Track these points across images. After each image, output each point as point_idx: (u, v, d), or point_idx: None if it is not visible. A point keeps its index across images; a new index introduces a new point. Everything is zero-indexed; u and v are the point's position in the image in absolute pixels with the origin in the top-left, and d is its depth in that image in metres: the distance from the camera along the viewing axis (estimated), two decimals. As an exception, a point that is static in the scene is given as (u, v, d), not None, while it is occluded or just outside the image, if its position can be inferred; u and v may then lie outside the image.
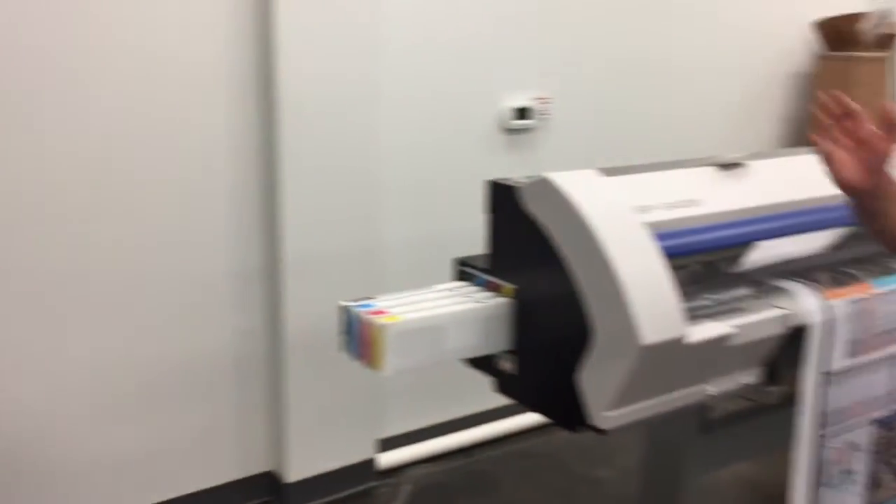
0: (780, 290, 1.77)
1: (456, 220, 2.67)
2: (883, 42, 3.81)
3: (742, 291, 1.71)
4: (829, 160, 1.30)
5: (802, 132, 3.87)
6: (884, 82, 3.91)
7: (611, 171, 1.71)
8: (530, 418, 3.11)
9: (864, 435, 1.91)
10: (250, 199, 2.54)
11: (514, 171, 2.95)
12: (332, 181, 2.57)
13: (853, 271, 1.90)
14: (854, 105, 1.29)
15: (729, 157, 1.81)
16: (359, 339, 1.61)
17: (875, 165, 1.27)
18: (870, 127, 1.27)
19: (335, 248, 2.60)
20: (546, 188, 1.57)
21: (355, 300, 1.68)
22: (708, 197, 1.71)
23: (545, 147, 3.10)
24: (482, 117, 2.98)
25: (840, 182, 1.30)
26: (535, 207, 1.59)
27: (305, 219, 2.54)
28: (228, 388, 2.63)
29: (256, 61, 2.46)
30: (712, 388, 1.66)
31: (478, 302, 1.68)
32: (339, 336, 1.70)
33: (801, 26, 3.82)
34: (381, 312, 1.60)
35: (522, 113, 3.01)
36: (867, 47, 3.76)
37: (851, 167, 1.28)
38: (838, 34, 3.79)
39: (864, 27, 3.75)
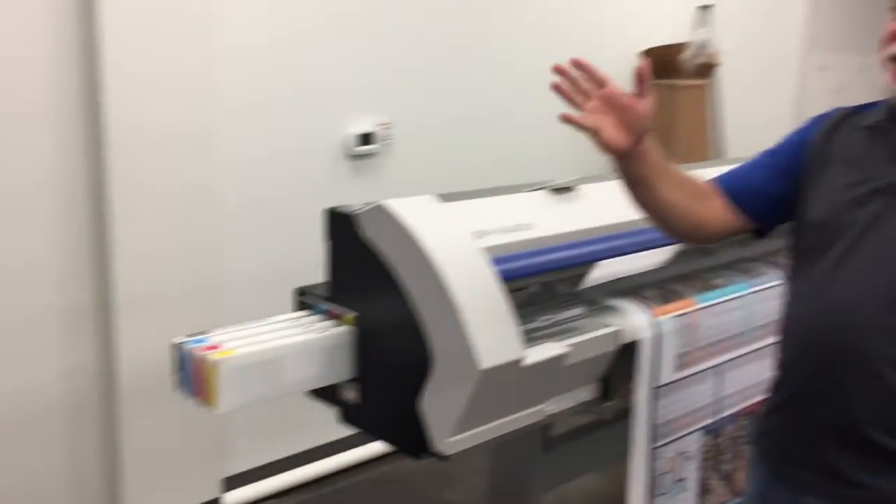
0: (612, 309, 1.85)
1: (300, 250, 2.61)
2: (703, 71, 4.08)
3: (576, 311, 1.77)
4: (592, 129, 1.33)
5: (634, 155, 4.07)
6: (704, 108, 4.18)
7: (448, 197, 1.73)
8: (380, 445, 3.08)
9: (693, 443, 2.01)
10: (79, 230, 2.40)
11: (359, 197, 2.95)
12: (167, 211, 2.47)
13: (679, 288, 2.00)
14: (599, 71, 1.35)
15: (561, 181, 1.87)
16: (192, 376, 1.54)
17: (636, 127, 1.31)
18: (622, 90, 1.31)
19: (172, 280, 2.49)
20: (383, 215, 1.57)
21: (189, 336, 1.61)
22: (541, 221, 1.75)
23: (390, 172, 3.11)
24: (326, 144, 2.95)
25: (605, 144, 1.33)
26: (372, 235, 1.59)
27: (139, 250, 2.42)
28: (60, 430, 2.46)
29: (82, 84, 2.33)
30: (551, 407, 1.70)
31: (318, 332, 1.65)
32: (173, 374, 1.62)
33: (628, 55, 4.02)
34: (214, 347, 1.54)
35: (366, 139, 3.00)
36: (689, 76, 4.01)
37: (613, 129, 1.31)
38: (662, 63, 4.02)
39: (686, 57, 4.00)
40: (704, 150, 4.15)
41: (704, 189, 1.45)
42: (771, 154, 1.47)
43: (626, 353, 1.81)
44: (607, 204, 1.92)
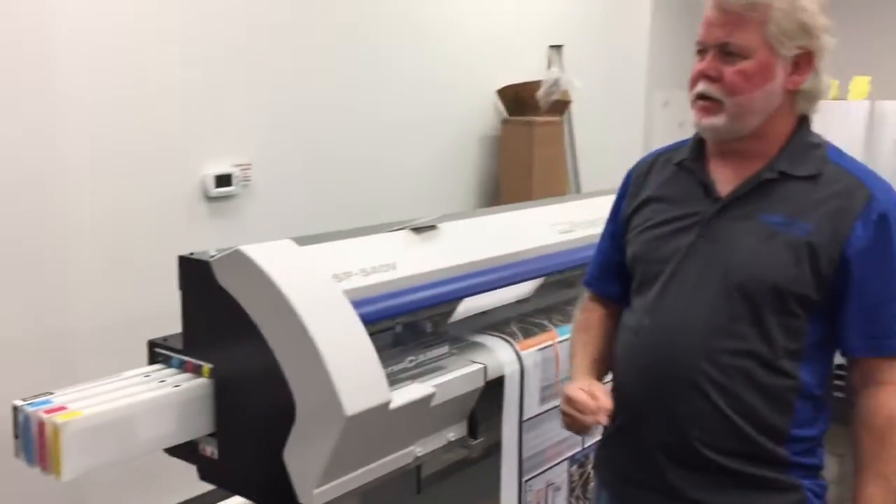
0: (477, 345, 1.86)
1: (157, 298, 2.49)
2: (557, 107, 4.23)
3: (442, 350, 1.76)
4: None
5: (494, 188, 4.16)
6: (560, 143, 4.33)
7: (307, 240, 1.69)
8: (244, 502, 2.96)
9: (561, 473, 2.04)
10: None
11: (218, 240, 2.86)
12: (7, 260, 2.31)
13: (540, 321, 2.04)
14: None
15: (422, 220, 1.87)
16: (35, 441, 1.43)
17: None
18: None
19: (14, 336, 2.32)
20: (239, 261, 1.51)
21: (32, 397, 1.50)
22: (404, 260, 1.75)
23: (250, 214, 3.04)
24: (182, 186, 2.85)
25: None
26: (229, 282, 1.53)
27: (-25, 305, 2.25)
28: None
29: None
30: (420, 449, 1.69)
31: (173, 386, 1.57)
32: (14, 440, 1.50)
33: (487, 93, 4.13)
34: (60, 409, 1.44)
35: (224, 180, 2.92)
36: (544, 112, 4.15)
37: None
38: (518, 100, 4.15)
39: (540, 94, 4.14)
40: (563, 185, 4.29)
41: (608, 324, 1.56)
42: (611, 222, 1.60)
43: (492, 389, 1.82)
44: (469, 241, 1.94)
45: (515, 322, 2.02)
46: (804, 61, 1.34)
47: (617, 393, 1.48)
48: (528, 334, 1.95)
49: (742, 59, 1.33)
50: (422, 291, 1.72)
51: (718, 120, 1.36)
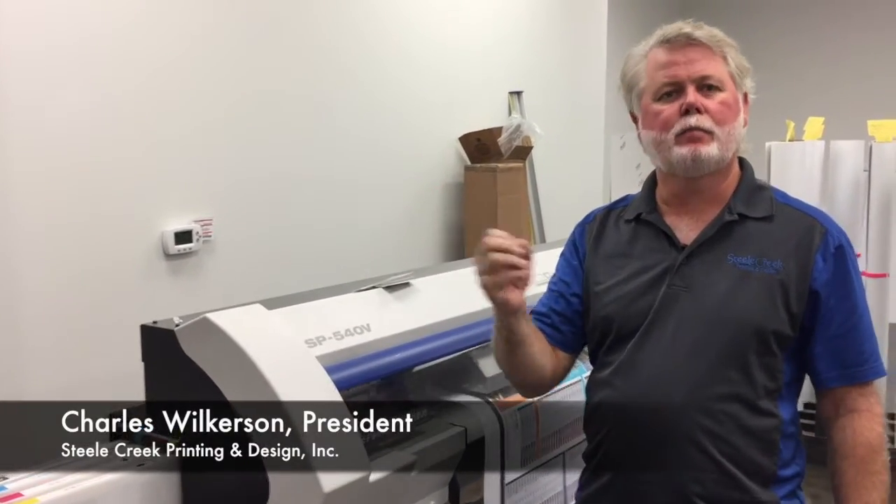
0: (456, 406, 1.79)
1: (116, 366, 2.38)
2: (519, 153, 4.22)
3: (421, 413, 1.69)
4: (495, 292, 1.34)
5: (460, 238, 4.12)
6: (523, 188, 4.32)
7: (276, 303, 1.63)
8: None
9: (546, 536, 1.97)
10: None
11: (177, 298, 2.78)
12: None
13: (519, 377, 1.98)
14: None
15: (394, 278, 1.81)
16: (-14, 533, 1.33)
17: (523, 285, 1.34)
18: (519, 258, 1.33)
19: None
20: (206, 330, 1.44)
21: (-18, 482, 1.39)
22: (378, 321, 1.68)
23: (211, 271, 2.94)
24: (140, 243, 2.75)
25: (504, 300, 1.34)
26: (195, 352, 1.45)
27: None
28: None
29: None
30: (401, 520, 1.60)
31: (137, 465, 1.48)
32: (-39, 530, 1.38)
33: (449, 141, 4.11)
34: (14, 496, 1.33)
35: (184, 236, 2.83)
36: (506, 158, 4.14)
37: (509, 288, 1.33)
38: (481, 147, 4.14)
39: (502, 140, 4.14)
40: (527, 232, 4.27)
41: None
42: (556, 283, 1.56)
43: (472, 452, 1.75)
44: (443, 297, 1.89)
45: (492, 379, 1.95)
46: (744, 101, 1.42)
47: (601, 450, 1.44)
48: (507, 393, 1.89)
49: (720, 92, 1.37)
50: (399, 353, 1.65)
51: (713, 149, 1.36)
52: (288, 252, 3.19)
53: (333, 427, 1.41)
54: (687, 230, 1.42)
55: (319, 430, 1.37)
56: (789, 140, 4.25)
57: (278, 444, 1.37)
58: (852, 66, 6.99)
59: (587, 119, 5.30)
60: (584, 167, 5.25)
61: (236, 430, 1.39)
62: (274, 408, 1.36)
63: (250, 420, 1.38)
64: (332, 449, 1.38)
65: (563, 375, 1.53)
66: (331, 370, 1.49)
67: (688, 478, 1.34)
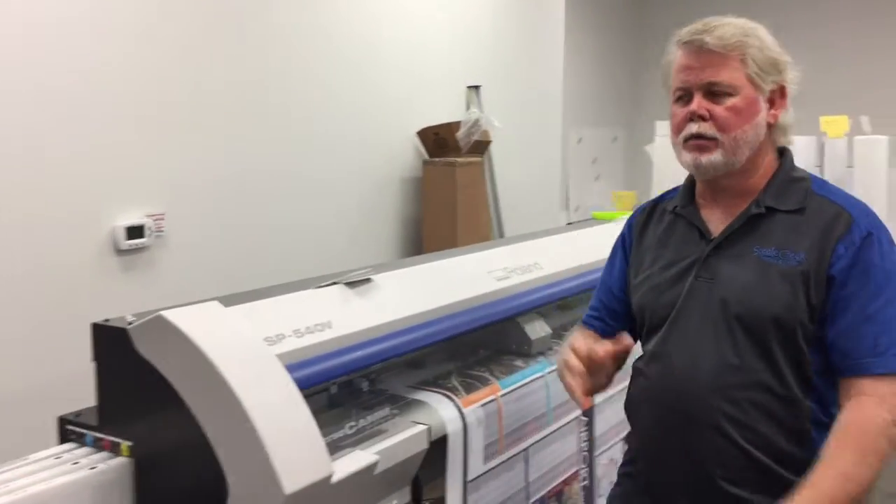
0: (418, 404, 1.76)
1: (67, 368, 2.30)
2: (477, 148, 4.20)
3: (383, 412, 1.66)
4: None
5: (418, 232, 4.08)
6: (482, 183, 4.30)
7: (234, 300, 1.58)
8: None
9: (509, 533, 1.95)
10: None
11: (129, 296, 2.70)
12: None
13: (483, 374, 1.96)
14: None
15: (355, 274, 1.77)
16: (-74, 543, 1.26)
17: (596, 390, 1.47)
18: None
19: None
20: (161, 328, 1.38)
21: (-78, 489, 1.32)
22: (339, 318, 1.64)
23: (163, 267, 2.87)
24: (90, 239, 2.67)
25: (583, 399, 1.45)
26: (149, 350, 1.40)
27: None
28: None
29: None
30: (363, 521, 1.57)
31: (89, 467, 1.42)
32: None
33: (407, 135, 4.07)
34: (-44, 504, 1.27)
35: (135, 231, 2.76)
36: (464, 153, 4.11)
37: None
38: (439, 141, 4.11)
39: (460, 135, 4.11)
40: (486, 227, 4.26)
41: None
42: (608, 272, 1.67)
43: (434, 449, 1.72)
44: (405, 293, 1.85)
45: (456, 376, 1.93)
46: (778, 95, 1.43)
47: (634, 436, 1.57)
48: (469, 389, 1.87)
49: (730, 97, 1.39)
50: (361, 350, 1.62)
51: (715, 156, 1.40)
52: (243, 247, 3.13)
53: (294, 427, 1.37)
54: (717, 223, 1.47)
55: (280, 430, 1.33)
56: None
57: (237, 446, 1.32)
58: (805, 63, 7.09)
59: (545, 114, 5.31)
60: (542, 162, 5.26)
61: (193, 431, 1.34)
62: (232, 408, 1.32)
63: (207, 420, 1.34)
64: (293, 450, 1.34)
65: (621, 363, 1.56)
66: (291, 369, 1.44)
67: (713, 463, 1.39)
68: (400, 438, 1.60)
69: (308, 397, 1.43)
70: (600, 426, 2.29)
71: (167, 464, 1.42)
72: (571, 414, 2.16)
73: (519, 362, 2.07)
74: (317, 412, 1.44)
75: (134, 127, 2.77)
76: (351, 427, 1.57)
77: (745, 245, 1.42)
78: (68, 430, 1.55)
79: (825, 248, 1.36)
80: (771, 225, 1.41)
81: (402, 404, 1.75)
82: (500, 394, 1.90)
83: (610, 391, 2.28)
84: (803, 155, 4.57)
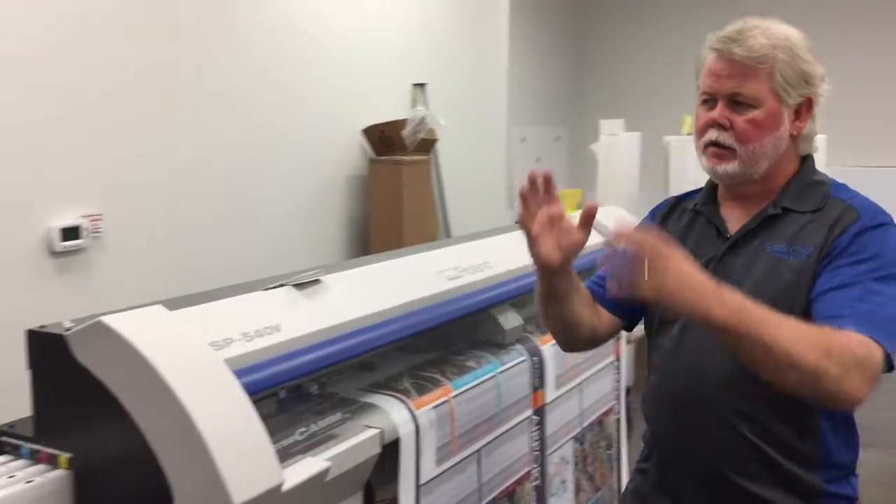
0: (370, 407, 1.73)
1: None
2: (423, 146, 4.18)
3: (334, 416, 1.62)
4: (531, 238, 1.43)
5: (365, 232, 4.04)
6: (428, 181, 4.28)
7: (178, 303, 1.52)
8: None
9: (461, 537, 1.93)
10: None
11: (65, 300, 2.60)
12: None
13: (434, 375, 1.93)
14: (554, 191, 1.46)
15: (304, 275, 1.73)
16: None
17: (569, 250, 1.43)
18: (567, 217, 1.44)
19: None
20: (101, 334, 1.32)
21: None
22: (288, 321, 1.60)
23: (101, 269, 2.78)
24: (22, 240, 2.57)
25: (536, 257, 1.44)
26: (89, 358, 1.33)
27: None
28: None
29: None
30: (314, 529, 1.53)
31: (25, 481, 1.35)
32: None
33: (352, 133, 4.02)
34: None
35: (71, 232, 2.66)
36: (411, 151, 4.08)
37: (550, 246, 1.42)
38: (385, 139, 4.07)
39: (406, 133, 4.08)
40: (433, 226, 4.23)
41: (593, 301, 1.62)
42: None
43: (386, 453, 1.69)
44: (356, 294, 1.82)
45: (408, 378, 1.90)
46: (805, 108, 1.44)
47: (650, 428, 1.61)
48: (422, 391, 1.84)
49: (752, 109, 1.39)
50: (312, 353, 1.57)
51: (731, 166, 1.42)
52: (186, 249, 3.04)
53: (243, 435, 1.32)
54: (736, 223, 1.50)
55: (228, 438, 1.29)
56: (686, 134, 4.36)
57: (183, 455, 1.27)
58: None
59: (489, 113, 5.31)
60: (487, 161, 5.26)
61: (136, 441, 1.28)
62: (178, 417, 1.26)
63: (152, 430, 1.28)
64: (242, 458, 1.29)
65: (605, 336, 1.64)
66: (239, 374, 1.39)
67: (724, 458, 1.43)
68: (352, 443, 1.56)
69: (256, 402, 1.39)
70: (551, 425, 2.29)
71: (109, 476, 1.36)
72: (523, 413, 2.15)
73: (470, 362, 2.05)
74: (265, 418, 1.40)
75: (68, 123, 2.66)
76: (302, 433, 1.52)
77: (758, 242, 1.44)
78: (2, 441, 1.47)
79: (828, 241, 1.38)
80: (785, 223, 1.43)
81: (354, 408, 1.71)
82: (452, 395, 1.87)
83: (561, 390, 2.30)
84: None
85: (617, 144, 4.25)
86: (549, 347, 2.24)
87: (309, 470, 1.42)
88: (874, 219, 1.38)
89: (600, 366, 2.57)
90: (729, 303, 1.22)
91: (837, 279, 1.33)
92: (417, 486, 1.76)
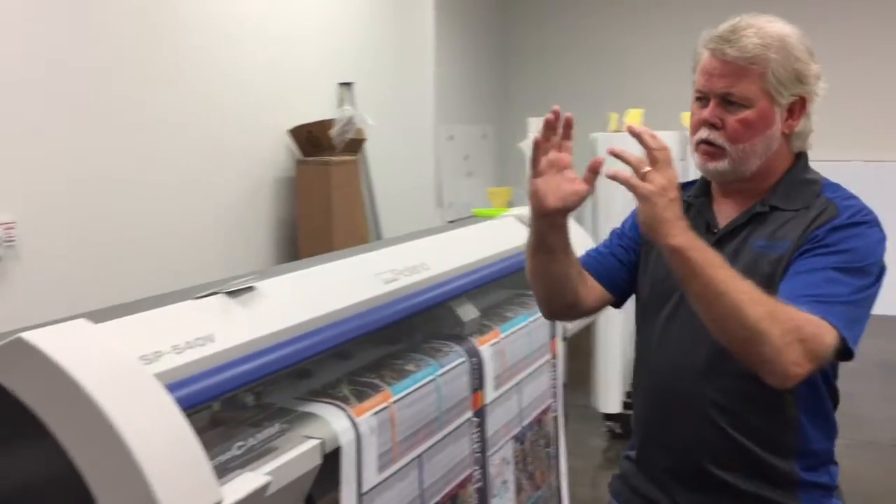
0: (309, 416, 1.68)
1: None
2: (352, 146, 4.12)
3: (272, 429, 1.56)
4: (534, 175, 1.41)
5: (294, 234, 3.96)
6: (357, 182, 4.22)
7: (104, 315, 1.44)
8: None
9: (405, 544, 1.89)
10: None
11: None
12: None
13: (373, 380, 1.89)
14: (570, 139, 1.43)
15: (237, 281, 1.66)
16: None
17: (569, 201, 1.41)
18: (572, 170, 1.42)
19: None
20: (21, 351, 1.24)
21: None
22: (222, 330, 1.53)
23: (16, 281, 2.64)
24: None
25: (533, 196, 1.42)
26: (8, 377, 1.25)
27: None
28: None
29: None
30: (255, 546, 1.47)
31: (-62, 513, 1.26)
32: None
33: (279, 133, 3.93)
34: None
35: (-18, 242, 2.52)
36: (339, 151, 4.02)
37: (549, 187, 1.40)
38: (312, 140, 4.00)
39: (334, 133, 4.01)
40: (363, 227, 4.18)
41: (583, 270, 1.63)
42: (619, 235, 1.70)
43: (327, 462, 1.64)
44: (292, 300, 1.76)
45: (346, 384, 1.85)
46: (798, 107, 1.44)
47: (635, 419, 1.67)
48: (361, 397, 1.79)
49: (743, 109, 1.41)
50: (248, 363, 1.51)
51: (722, 165, 1.44)
52: (107, 257, 2.92)
53: (178, 453, 1.26)
54: (727, 218, 1.52)
55: (162, 457, 1.22)
56: (613, 131, 4.41)
57: (114, 477, 1.20)
58: (669, 61, 7.39)
59: (417, 111, 5.28)
60: (416, 160, 5.23)
61: (62, 464, 1.21)
62: (107, 436, 1.19)
63: (79, 452, 1.21)
64: (177, 478, 1.23)
65: (590, 307, 1.64)
66: (171, 388, 1.33)
67: (702, 449, 1.47)
68: (292, 455, 1.51)
69: (189, 416, 1.33)
70: (491, 426, 2.27)
71: (33, 501, 1.28)
72: (463, 416, 2.12)
73: (409, 366, 2.01)
74: (200, 432, 1.34)
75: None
76: (239, 447, 1.46)
77: (744, 238, 1.46)
78: (-88, 470, 1.37)
79: (804, 235, 1.40)
80: (771, 220, 1.45)
81: (292, 418, 1.66)
82: (392, 400, 1.83)
83: (500, 390, 2.28)
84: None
85: (545, 142, 4.26)
86: (487, 348, 2.22)
87: (248, 486, 1.37)
88: (853, 217, 1.40)
89: (538, 364, 2.57)
90: (691, 237, 1.29)
91: (805, 266, 1.36)
92: (360, 495, 1.71)
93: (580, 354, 4.23)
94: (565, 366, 2.90)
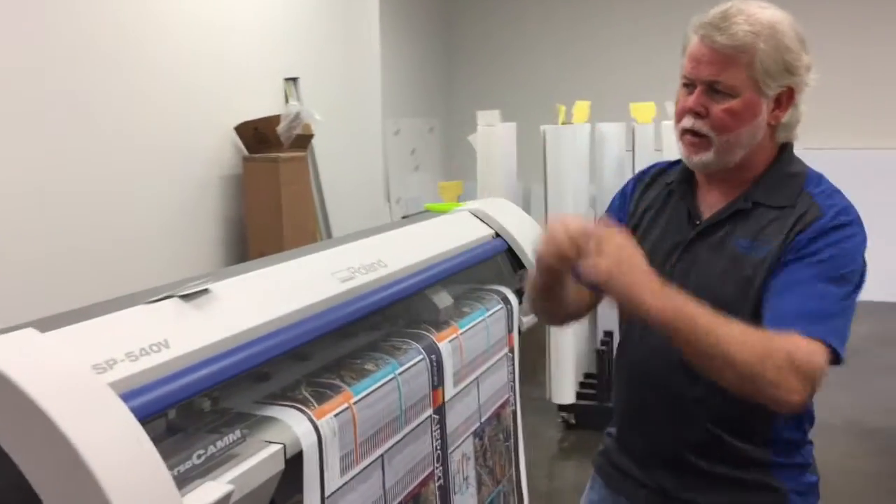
0: (269, 420, 1.64)
1: None
2: (300, 142, 4.06)
3: (232, 434, 1.52)
4: (549, 237, 1.42)
5: (242, 233, 3.89)
6: (307, 178, 4.17)
7: (51, 323, 1.38)
8: None
9: (370, 546, 1.86)
10: None
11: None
12: None
13: (332, 381, 1.86)
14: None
15: (191, 284, 1.61)
16: None
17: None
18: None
19: None
20: (-34, 364, 1.18)
21: None
22: (177, 336, 1.49)
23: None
24: None
25: (545, 256, 1.44)
26: (-48, 392, 1.18)
27: None
28: None
29: None
30: (222, 557, 1.43)
31: None
32: None
33: (224, 130, 3.85)
34: None
35: (-86, 248, 2.41)
36: (287, 147, 3.96)
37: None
38: (259, 136, 3.93)
39: (281, 129, 3.95)
40: (313, 224, 4.12)
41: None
42: (615, 209, 1.73)
43: (291, 468, 1.61)
44: (248, 302, 1.72)
45: (305, 386, 1.81)
46: (786, 98, 1.43)
47: (616, 400, 1.74)
48: (321, 399, 1.76)
49: (729, 98, 1.39)
50: (206, 368, 1.47)
51: (707, 156, 1.44)
52: (48, 264, 2.83)
53: (136, 465, 1.21)
54: (710, 209, 1.53)
55: (120, 471, 1.18)
56: (561, 123, 4.43)
57: (69, 493, 1.15)
58: (616, 53, 7.47)
59: (364, 105, 5.23)
60: (364, 155, 5.19)
61: (14, 481, 1.16)
62: (61, 450, 1.14)
63: (33, 469, 1.16)
64: (135, 490, 1.19)
65: (586, 311, 1.72)
66: (126, 398, 1.28)
67: (678, 436, 1.53)
68: (254, 462, 1.47)
69: (145, 426, 1.28)
70: (452, 422, 2.25)
71: (-18, 522, 1.22)
72: (424, 413, 2.10)
73: (368, 365, 1.98)
74: (156, 441, 1.29)
75: None
76: (199, 455, 1.42)
77: (725, 234, 1.46)
78: None
79: (788, 239, 1.39)
80: (754, 217, 1.44)
81: (251, 422, 1.61)
82: (353, 401, 1.80)
83: (459, 386, 2.27)
84: (615, 140, 4.77)
85: (494, 135, 4.27)
86: (445, 344, 2.20)
87: (210, 495, 1.33)
88: (836, 218, 1.39)
89: (496, 358, 2.56)
90: (665, 297, 1.26)
91: (791, 277, 1.36)
92: (323, 499, 1.68)
93: (533, 347, 4.24)
94: (519, 358, 2.90)
